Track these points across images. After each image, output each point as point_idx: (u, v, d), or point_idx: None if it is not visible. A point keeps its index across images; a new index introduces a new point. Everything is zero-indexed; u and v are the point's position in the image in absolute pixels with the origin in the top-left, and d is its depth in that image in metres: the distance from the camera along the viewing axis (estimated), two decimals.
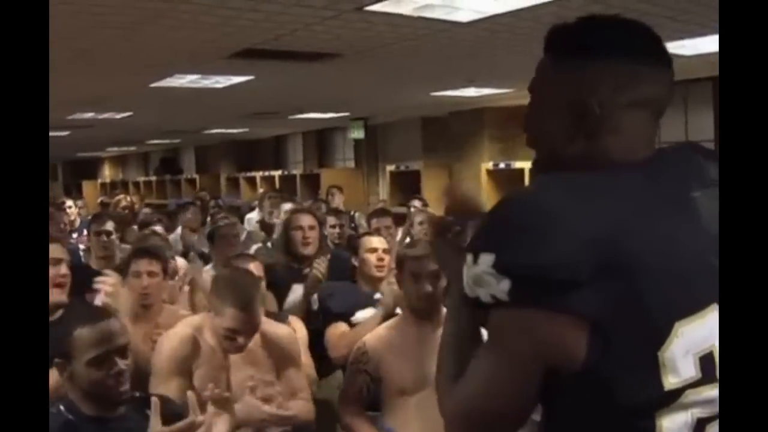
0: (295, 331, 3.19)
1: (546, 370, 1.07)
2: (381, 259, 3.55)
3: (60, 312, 2.77)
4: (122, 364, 2.04)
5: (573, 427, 1.11)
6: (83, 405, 2.06)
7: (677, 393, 1.05)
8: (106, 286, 2.82)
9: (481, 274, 1.06)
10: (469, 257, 1.08)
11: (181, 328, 2.66)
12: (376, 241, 3.64)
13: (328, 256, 3.87)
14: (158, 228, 4.63)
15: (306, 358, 3.16)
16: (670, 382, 1.04)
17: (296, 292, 3.54)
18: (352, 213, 7.41)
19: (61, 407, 2.07)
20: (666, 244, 1.05)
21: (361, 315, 3.34)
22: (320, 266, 3.63)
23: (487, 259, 1.05)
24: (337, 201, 7.73)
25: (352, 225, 6.81)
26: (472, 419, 1.12)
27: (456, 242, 1.32)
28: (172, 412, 2.03)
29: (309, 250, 3.82)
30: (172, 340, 2.55)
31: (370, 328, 3.12)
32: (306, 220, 3.90)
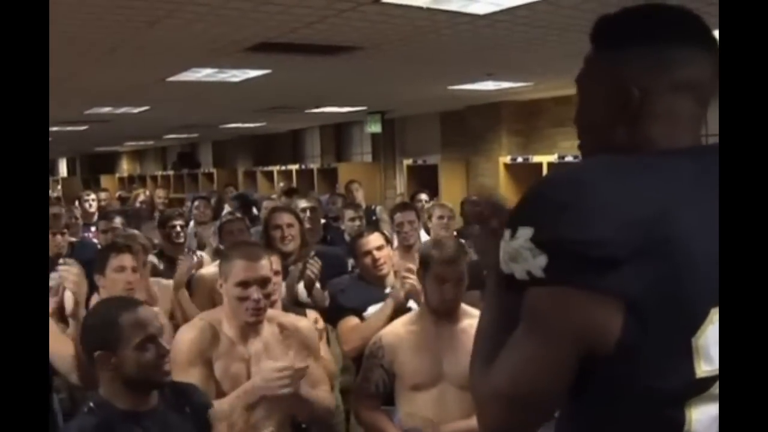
0: (316, 322, 3.20)
1: (579, 353, 1.04)
2: (377, 259, 3.53)
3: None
4: (166, 344, 2.14)
5: (601, 416, 1.09)
6: (119, 398, 2.06)
7: (708, 382, 1.03)
8: (71, 276, 2.63)
9: (519, 249, 1.04)
10: (507, 232, 1.07)
11: (199, 319, 2.67)
12: (368, 242, 3.58)
13: (312, 252, 3.93)
14: (179, 222, 4.64)
15: (326, 352, 3.15)
16: (703, 369, 1.02)
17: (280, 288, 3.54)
18: (373, 207, 7.40)
19: (92, 405, 2.06)
20: (706, 228, 1.02)
21: (373, 310, 3.33)
22: (314, 266, 3.67)
23: (525, 233, 1.03)
24: (360, 196, 7.69)
25: (374, 218, 6.81)
26: (505, 401, 1.09)
27: (497, 230, 1.29)
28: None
29: (290, 247, 3.92)
30: (190, 330, 2.57)
31: (381, 319, 3.12)
32: (284, 218, 4.00)
